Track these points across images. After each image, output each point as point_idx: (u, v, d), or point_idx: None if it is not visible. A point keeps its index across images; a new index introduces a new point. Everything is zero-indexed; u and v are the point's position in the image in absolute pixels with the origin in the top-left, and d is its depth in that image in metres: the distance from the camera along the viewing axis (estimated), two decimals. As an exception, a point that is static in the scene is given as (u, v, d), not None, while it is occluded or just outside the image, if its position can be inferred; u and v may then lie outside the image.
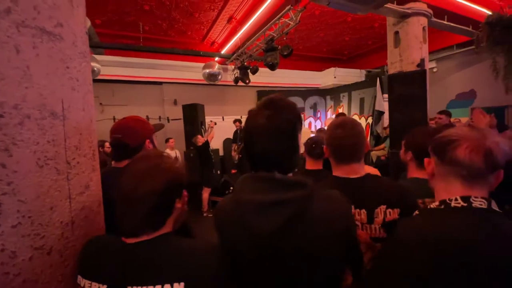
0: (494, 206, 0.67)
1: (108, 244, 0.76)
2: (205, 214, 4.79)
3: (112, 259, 0.72)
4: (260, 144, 0.71)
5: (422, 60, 3.84)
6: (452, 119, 5.88)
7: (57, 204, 0.72)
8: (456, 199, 0.68)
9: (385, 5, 3.41)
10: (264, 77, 6.70)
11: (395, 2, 3.78)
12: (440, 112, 3.88)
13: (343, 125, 1.06)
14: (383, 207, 0.99)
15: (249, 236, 0.69)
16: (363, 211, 1.00)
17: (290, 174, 0.76)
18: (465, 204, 0.66)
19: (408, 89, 3.40)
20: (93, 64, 4.75)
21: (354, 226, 0.81)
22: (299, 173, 1.84)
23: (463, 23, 4.74)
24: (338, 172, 1.08)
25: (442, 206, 0.70)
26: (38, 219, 0.69)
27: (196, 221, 4.67)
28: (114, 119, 6.05)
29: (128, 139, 1.10)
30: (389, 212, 1.00)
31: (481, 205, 0.66)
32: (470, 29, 4.77)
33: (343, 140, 1.04)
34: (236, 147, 6.30)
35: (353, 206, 0.98)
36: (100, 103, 5.93)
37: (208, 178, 4.92)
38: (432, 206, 0.73)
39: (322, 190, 0.77)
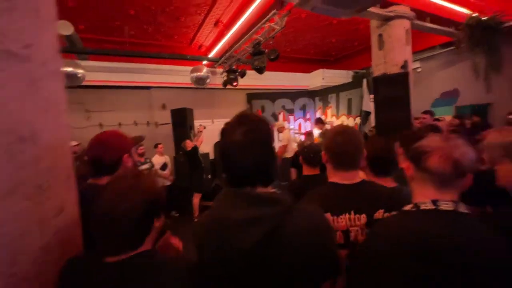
0: (462, 207, 0.77)
1: (87, 264, 0.76)
2: (196, 220, 4.76)
3: (91, 279, 0.72)
4: (239, 161, 0.72)
5: (406, 62, 3.92)
6: (439, 117, 6.06)
7: (29, 230, 0.70)
8: (425, 203, 0.78)
9: (368, 9, 3.48)
10: (253, 80, 6.70)
11: (378, 5, 3.86)
12: (424, 112, 3.98)
13: (344, 132, 1.11)
14: (381, 211, 1.02)
15: (228, 253, 0.69)
16: (363, 216, 1.02)
17: (270, 187, 0.77)
18: (433, 207, 0.77)
19: (392, 91, 3.48)
20: (77, 70, 4.66)
21: (332, 239, 0.82)
22: (297, 180, 1.88)
23: (445, 24, 4.86)
24: (336, 178, 1.10)
25: (414, 208, 0.80)
26: (9, 246, 0.67)
27: (186, 226, 4.63)
28: (101, 125, 5.95)
29: (105, 155, 1.08)
30: (386, 216, 1.02)
31: (448, 207, 0.76)
32: (452, 30, 4.90)
33: (344, 147, 1.07)
34: None
35: (352, 212, 1.02)
36: (86, 110, 5.82)
37: (198, 183, 4.89)
38: (406, 208, 0.83)
39: (300, 205, 0.79)
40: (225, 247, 0.69)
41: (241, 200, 0.72)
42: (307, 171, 1.83)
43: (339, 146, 1.08)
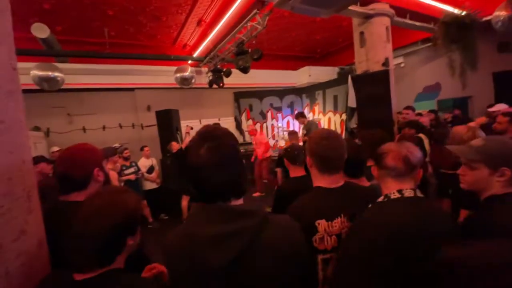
0: (419, 193, 0.99)
1: (57, 283, 0.77)
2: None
3: None
4: (208, 177, 0.71)
5: (387, 59, 3.99)
6: (421, 111, 6.20)
7: (-15, 257, 0.69)
8: (393, 192, 0.98)
9: (348, 8, 3.50)
10: (240, 78, 6.66)
11: (358, 3, 3.90)
12: (406, 108, 4.07)
13: (329, 137, 1.12)
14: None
15: (201, 271, 0.68)
16: (348, 217, 1.06)
17: (241, 200, 0.77)
18: (399, 195, 0.97)
19: (373, 89, 3.54)
20: (56, 73, 4.53)
21: (305, 248, 0.83)
22: (286, 184, 1.85)
23: (424, 20, 4.96)
24: (321, 182, 1.12)
25: (386, 199, 0.99)
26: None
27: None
28: (84, 129, 5.82)
29: (74, 171, 1.06)
30: None
31: (410, 194, 0.97)
32: (431, 26, 5.00)
33: (330, 152, 1.09)
34: None
35: (342, 215, 1.06)
36: (68, 114, 5.67)
37: (186, 186, 4.85)
38: (379, 200, 1.01)
39: (273, 215, 0.79)
40: (198, 265, 0.68)
41: (214, 215, 0.71)
42: (293, 172, 1.82)
43: (324, 151, 1.09)
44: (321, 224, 1.03)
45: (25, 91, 4.86)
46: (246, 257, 0.67)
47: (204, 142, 0.72)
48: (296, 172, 1.82)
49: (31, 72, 4.31)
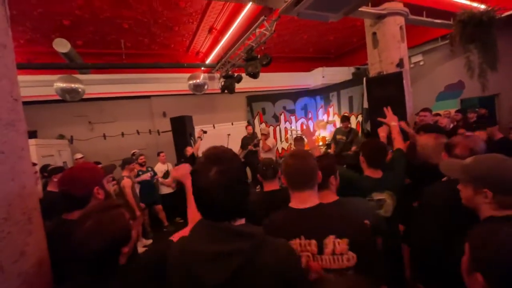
0: None
1: None
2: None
3: None
4: (214, 200, 0.73)
5: (401, 60, 3.83)
6: (442, 112, 5.90)
7: (-14, 279, 0.75)
8: None
9: (358, 9, 3.41)
10: (252, 82, 6.67)
11: (369, 4, 3.78)
12: (423, 110, 3.88)
13: (295, 155, 1.18)
14: (331, 237, 1.02)
15: (197, 286, 0.71)
16: (313, 241, 1.03)
17: (243, 220, 0.79)
18: None
19: (386, 91, 3.40)
20: (77, 85, 4.79)
21: (301, 274, 0.84)
22: (259, 195, 1.88)
23: (443, 16, 4.72)
24: (294, 201, 1.13)
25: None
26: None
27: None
28: (104, 136, 6.11)
29: (75, 190, 1.12)
30: (338, 243, 1.02)
31: None
32: (450, 22, 4.74)
33: (296, 168, 1.12)
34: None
35: (303, 237, 1.03)
36: (89, 122, 5.97)
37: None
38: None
39: (271, 238, 0.80)
40: (194, 281, 0.71)
41: (214, 233, 0.74)
42: (266, 186, 1.84)
43: (291, 168, 1.13)
44: None
45: (50, 102, 5.20)
46: (240, 278, 0.70)
47: (212, 165, 0.74)
48: (268, 186, 1.83)
49: (54, 84, 4.60)
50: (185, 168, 1.22)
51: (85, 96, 5.22)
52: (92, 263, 0.83)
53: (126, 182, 3.83)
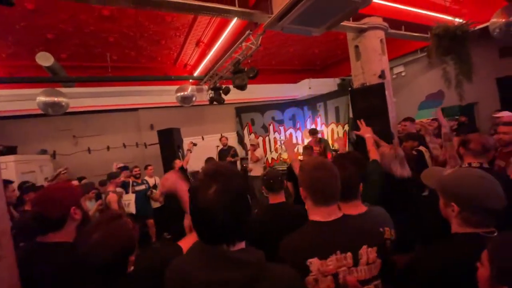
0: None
1: None
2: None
3: None
4: (214, 219, 0.68)
5: (383, 72, 3.96)
6: (424, 120, 6.10)
7: None
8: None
9: (340, 24, 3.53)
10: (241, 93, 6.73)
11: (350, 19, 3.93)
12: (405, 120, 4.01)
13: (323, 167, 1.08)
14: (365, 247, 1.00)
15: None
16: (349, 254, 0.98)
17: (243, 243, 0.74)
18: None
19: (370, 102, 3.51)
20: (60, 99, 4.69)
21: None
22: (263, 209, 1.83)
23: (420, 30, 4.95)
24: (317, 215, 1.06)
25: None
26: None
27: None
28: (89, 150, 5.96)
29: (49, 212, 1.07)
30: (370, 252, 1.00)
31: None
32: (428, 35, 4.98)
33: (326, 182, 1.04)
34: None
35: (339, 252, 0.98)
36: (74, 136, 5.83)
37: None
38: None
39: (273, 266, 0.75)
40: None
41: (211, 259, 0.69)
42: (272, 199, 1.78)
43: (322, 182, 1.05)
44: (313, 263, 0.95)
45: (32, 116, 5.06)
46: None
47: (212, 182, 0.69)
48: (274, 198, 1.77)
49: (37, 98, 4.48)
50: (173, 176, 1.19)
51: (69, 110, 5.10)
52: (102, 274, 0.84)
53: (112, 197, 3.74)
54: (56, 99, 4.53)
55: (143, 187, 4.97)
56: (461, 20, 3.83)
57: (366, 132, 2.40)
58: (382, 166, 2.02)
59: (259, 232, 1.39)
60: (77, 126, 5.91)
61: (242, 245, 0.74)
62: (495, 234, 0.90)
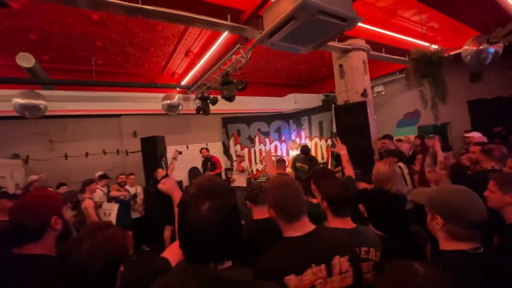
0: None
1: None
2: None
3: None
4: (205, 238, 0.66)
5: (365, 90, 4.18)
6: (402, 137, 6.42)
7: None
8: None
9: (326, 44, 3.71)
10: (227, 104, 6.75)
11: (336, 39, 4.14)
12: (383, 137, 4.20)
13: (287, 184, 1.13)
14: (337, 257, 1.03)
15: None
16: (323, 266, 1.00)
17: (230, 262, 0.72)
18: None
19: (352, 119, 3.67)
20: (39, 101, 4.51)
21: None
22: (248, 225, 1.73)
23: (399, 53, 5.30)
24: (291, 231, 1.08)
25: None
26: None
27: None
28: (65, 156, 5.69)
29: (28, 221, 1.01)
30: (342, 262, 1.03)
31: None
32: (406, 58, 5.33)
33: (292, 198, 1.09)
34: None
35: (313, 265, 0.99)
36: (50, 140, 5.55)
37: (169, 215, 4.68)
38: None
39: (259, 283, 0.75)
40: None
41: (199, 279, 0.66)
42: (256, 213, 1.68)
43: (288, 198, 1.09)
44: (291, 280, 0.96)
45: (6, 118, 4.79)
46: None
47: (205, 198, 0.67)
48: (258, 213, 1.68)
49: (13, 100, 4.27)
50: (173, 181, 1.21)
51: (47, 113, 4.89)
52: (93, 285, 0.81)
53: (88, 203, 3.61)
54: (34, 101, 4.34)
55: (123, 192, 4.78)
56: (436, 46, 4.16)
57: (341, 149, 2.52)
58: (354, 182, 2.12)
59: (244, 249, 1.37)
60: (54, 130, 5.64)
61: (229, 263, 0.71)
62: (481, 250, 0.94)
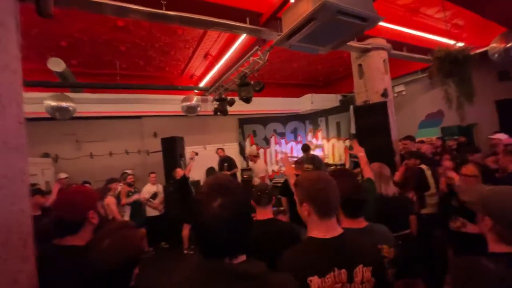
0: None
1: None
2: (185, 252, 4.65)
3: None
4: (218, 234, 0.68)
5: (385, 90, 4.08)
6: (424, 138, 6.19)
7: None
8: None
9: (347, 43, 3.67)
10: (244, 105, 6.79)
11: (355, 39, 4.08)
12: (405, 138, 4.08)
13: (323, 179, 1.09)
14: (361, 266, 1.02)
15: None
16: (343, 271, 1.00)
17: (244, 256, 0.74)
18: None
19: (372, 119, 3.60)
20: (68, 103, 4.76)
21: None
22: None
23: (421, 52, 5.13)
24: (318, 230, 1.06)
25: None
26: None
27: (175, 258, 4.53)
28: (91, 155, 5.97)
29: (68, 215, 1.10)
30: (365, 271, 1.02)
31: None
32: (428, 57, 5.15)
33: (329, 193, 1.05)
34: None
35: (336, 268, 0.99)
36: (77, 141, 5.86)
37: (188, 214, 4.83)
38: None
39: (274, 275, 0.76)
40: None
41: (215, 275, 0.68)
42: (259, 214, 1.71)
43: (323, 193, 1.05)
44: (313, 281, 0.96)
45: (36, 119, 5.10)
46: None
47: (217, 196, 0.69)
48: (261, 214, 1.71)
49: (45, 102, 4.55)
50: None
51: (74, 115, 5.18)
52: (107, 282, 0.86)
53: (110, 200, 3.78)
54: (64, 104, 4.61)
55: (136, 197, 4.89)
56: (461, 44, 4.00)
57: (359, 152, 2.47)
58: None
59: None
60: (80, 131, 5.95)
61: (243, 257, 0.73)
62: None
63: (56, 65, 4.32)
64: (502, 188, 1.04)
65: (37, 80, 4.96)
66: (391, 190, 2.31)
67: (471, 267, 0.70)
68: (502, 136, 3.74)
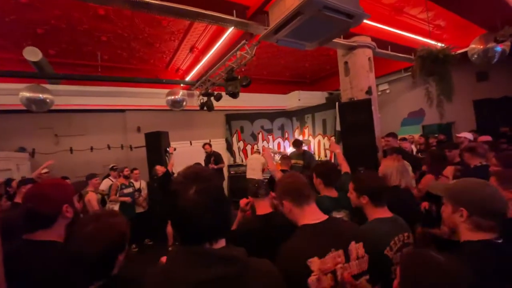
0: None
1: None
2: (170, 248, 4.59)
3: None
4: (196, 220, 0.69)
5: (370, 88, 4.15)
6: (406, 136, 6.38)
7: None
8: None
9: (332, 40, 3.69)
10: (231, 101, 6.74)
11: (341, 36, 4.12)
12: (387, 135, 4.18)
13: (291, 174, 1.30)
14: (353, 243, 1.07)
15: None
16: (341, 251, 1.04)
17: (223, 241, 0.75)
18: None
19: (357, 116, 3.66)
20: (45, 95, 4.53)
21: None
22: (250, 220, 1.73)
23: (405, 51, 5.26)
24: (306, 217, 1.14)
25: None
26: None
27: (160, 255, 4.44)
28: (71, 150, 5.75)
29: (41, 208, 1.04)
30: (357, 247, 1.08)
31: None
32: (411, 56, 5.28)
33: (295, 183, 1.22)
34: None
35: (333, 249, 1.04)
36: (55, 135, 5.61)
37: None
38: None
39: (253, 259, 0.77)
40: None
41: (195, 259, 0.69)
42: (258, 208, 1.68)
43: (292, 184, 1.20)
44: (314, 262, 1.00)
45: (11, 112, 4.84)
46: None
47: (192, 184, 0.71)
48: (260, 208, 1.67)
49: (20, 93, 4.31)
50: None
51: (52, 107, 4.94)
52: (90, 268, 0.86)
53: (91, 196, 3.68)
54: (41, 95, 4.38)
55: (130, 190, 4.83)
56: (442, 45, 4.12)
57: (336, 149, 2.59)
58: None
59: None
60: (59, 124, 5.70)
61: (223, 242, 0.75)
62: (501, 240, 0.97)
63: (33, 54, 4.08)
64: (471, 180, 1.09)
65: (12, 70, 4.71)
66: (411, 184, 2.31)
67: (423, 261, 0.75)
68: (468, 135, 3.93)
